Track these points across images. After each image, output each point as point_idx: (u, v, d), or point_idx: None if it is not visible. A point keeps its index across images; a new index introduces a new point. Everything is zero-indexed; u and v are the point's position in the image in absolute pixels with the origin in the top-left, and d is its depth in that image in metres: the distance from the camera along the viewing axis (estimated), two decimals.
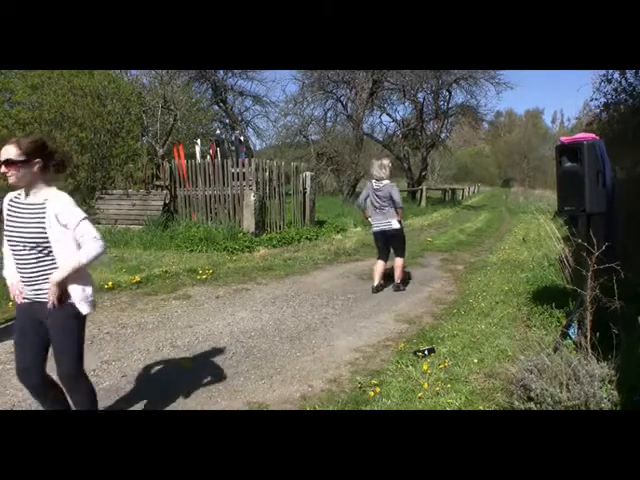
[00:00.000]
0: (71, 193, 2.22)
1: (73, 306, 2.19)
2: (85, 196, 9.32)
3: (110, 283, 5.36)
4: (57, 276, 2.09)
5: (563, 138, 3.22)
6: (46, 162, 2.10)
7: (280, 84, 26.44)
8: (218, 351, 3.71)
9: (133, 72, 13.74)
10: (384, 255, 5.71)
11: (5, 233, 2.14)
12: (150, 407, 2.80)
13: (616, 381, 2.42)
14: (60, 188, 2.20)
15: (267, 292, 5.55)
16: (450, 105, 22.89)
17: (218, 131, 14.74)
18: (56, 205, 2.09)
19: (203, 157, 10.38)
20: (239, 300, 5.19)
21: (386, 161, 5.73)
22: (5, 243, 2.16)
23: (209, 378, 3.22)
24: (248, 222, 8.98)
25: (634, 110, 6.27)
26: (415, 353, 3.56)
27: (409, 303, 5.23)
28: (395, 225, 5.55)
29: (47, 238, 2.08)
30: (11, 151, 2.01)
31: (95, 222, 8.96)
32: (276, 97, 73.14)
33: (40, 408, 2.36)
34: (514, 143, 59.27)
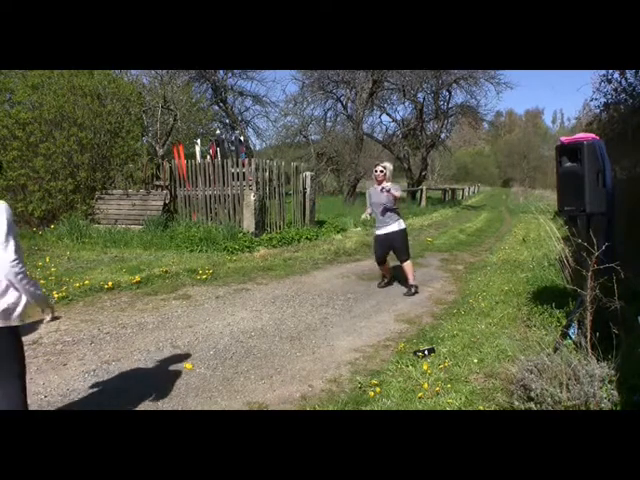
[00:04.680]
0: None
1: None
2: (85, 196, 9.31)
3: (110, 283, 5.36)
4: None
5: (563, 138, 3.22)
6: None
7: (280, 84, 26.51)
8: (218, 351, 3.71)
9: (133, 72, 13.76)
10: None
11: None
12: (150, 407, 2.80)
13: (616, 381, 2.42)
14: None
15: (267, 292, 5.55)
16: (450, 105, 22.90)
17: (218, 131, 14.72)
18: None
19: (203, 157, 10.38)
20: (239, 300, 5.19)
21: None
22: None
23: (209, 378, 3.22)
24: (248, 222, 8.98)
25: (634, 110, 6.27)
26: (415, 353, 3.56)
27: (409, 303, 5.23)
28: None
29: None
30: None
31: (95, 222, 8.97)
32: (276, 97, 73.29)
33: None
34: (514, 143, 59.29)
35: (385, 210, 5.58)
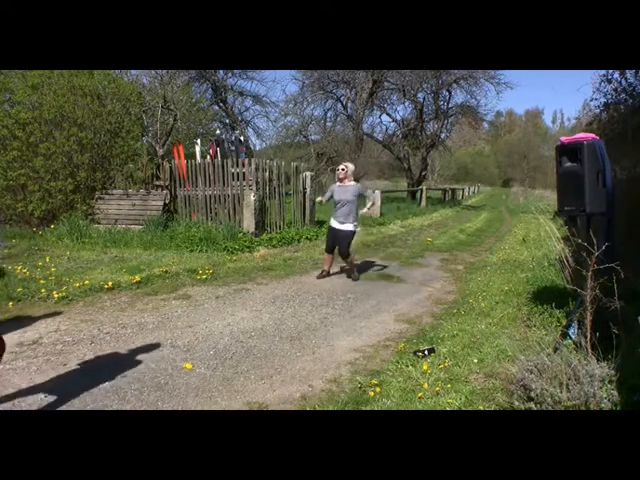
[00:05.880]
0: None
1: None
2: (85, 196, 9.31)
3: (110, 283, 5.36)
4: None
5: (563, 138, 3.22)
6: None
7: (280, 84, 26.57)
8: (218, 351, 3.71)
9: (133, 72, 13.77)
10: None
11: None
12: (150, 407, 2.80)
13: (616, 381, 2.42)
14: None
15: (267, 292, 5.55)
16: (450, 105, 22.93)
17: (218, 131, 14.72)
18: None
19: (203, 157, 10.38)
20: (239, 300, 5.19)
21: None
22: None
23: (209, 378, 3.22)
24: (248, 222, 8.98)
25: (634, 110, 6.27)
26: (415, 353, 3.56)
27: (409, 303, 5.23)
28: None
29: None
30: None
31: (95, 222, 8.97)
32: (276, 97, 73.39)
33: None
34: (514, 143, 59.34)
35: (344, 207, 6.06)
